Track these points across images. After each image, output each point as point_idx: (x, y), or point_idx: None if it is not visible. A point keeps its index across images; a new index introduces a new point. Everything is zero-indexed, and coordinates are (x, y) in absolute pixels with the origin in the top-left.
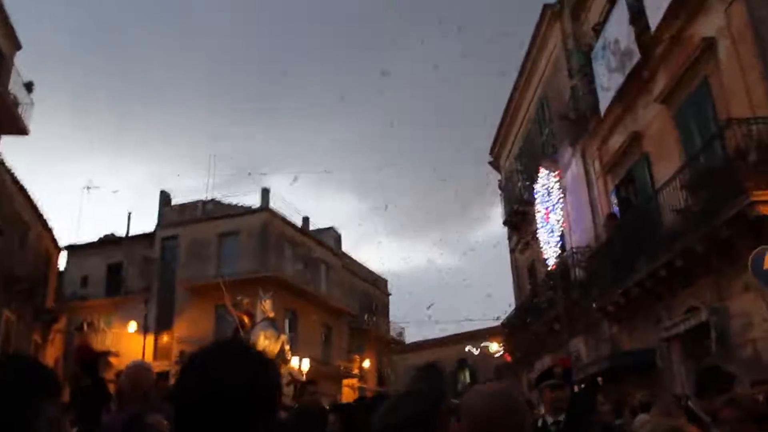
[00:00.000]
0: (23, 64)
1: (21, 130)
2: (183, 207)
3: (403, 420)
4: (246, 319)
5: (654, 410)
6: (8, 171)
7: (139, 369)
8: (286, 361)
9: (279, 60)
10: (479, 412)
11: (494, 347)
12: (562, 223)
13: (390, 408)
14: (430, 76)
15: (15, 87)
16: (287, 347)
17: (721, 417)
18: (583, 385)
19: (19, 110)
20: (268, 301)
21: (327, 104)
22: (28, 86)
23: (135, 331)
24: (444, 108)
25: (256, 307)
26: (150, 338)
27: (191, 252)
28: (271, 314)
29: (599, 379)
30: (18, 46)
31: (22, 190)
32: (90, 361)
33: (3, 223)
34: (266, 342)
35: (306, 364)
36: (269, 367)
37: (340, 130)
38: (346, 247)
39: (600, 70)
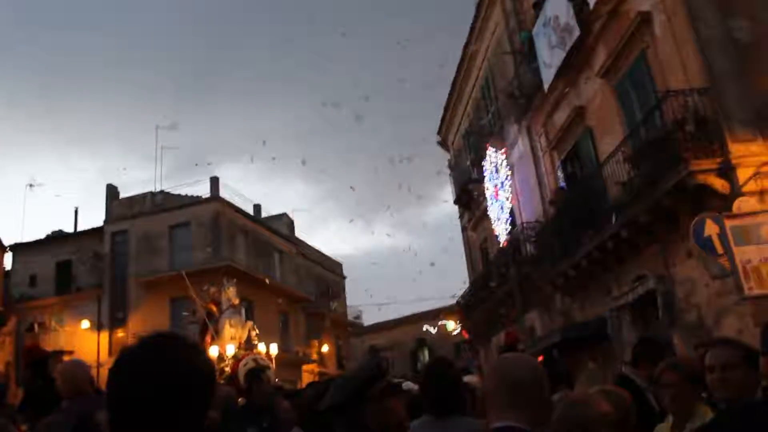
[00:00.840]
0: None
1: None
2: (131, 200)
3: (339, 399)
4: (213, 308)
5: (581, 379)
6: None
7: (73, 366)
8: (252, 347)
9: (219, 44)
10: (516, 376)
11: (451, 325)
12: (511, 199)
13: (329, 390)
14: (378, 55)
15: None
16: (254, 333)
17: (662, 381)
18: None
19: None
20: (231, 289)
21: (271, 90)
22: None
23: (88, 329)
24: (391, 89)
25: (221, 295)
26: (104, 335)
27: (142, 245)
28: (236, 301)
29: (554, 351)
30: None
31: None
32: (40, 362)
33: None
34: (232, 330)
35: (274, 349)
36: (199, 356)
37: (285, 116)
38: (299, 233)
39: (542, 46)
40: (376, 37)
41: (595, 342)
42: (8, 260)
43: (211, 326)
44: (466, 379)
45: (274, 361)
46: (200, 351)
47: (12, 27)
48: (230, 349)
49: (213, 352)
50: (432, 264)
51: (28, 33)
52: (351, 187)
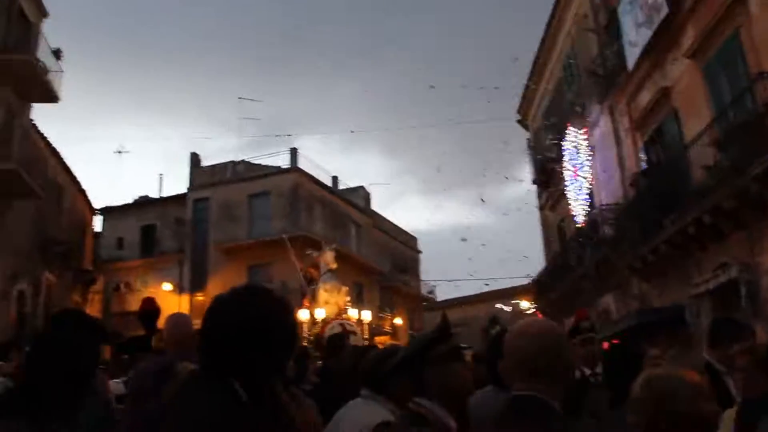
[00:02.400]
0: (51, 32)
1: (51, 97)
2: (213, 168)
3: (397, 360)
4: (313, 273)
5: (664, 364)
6: (42, 137)
7: (179, 318)
8: (343, 312)
9: (301, 17)
10: (527, 347)
11: (525, 305)
12: (591, 180)
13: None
14: (455, 34)
15: (43, 55)
16: (347, 298)
17: (736, 365)
18: (614, 341)
19: (49, 78)
20: (330, 253)
21: (354, 63)
22: (57, 53)
23: (170, 291)
24: (472, 66)
25: (320, 259)
26: (185, 298)
27: (222, 213)
28: (333, 266)
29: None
30: (44, 14)
31: (55, 155)
32: (150, 313)
33: (40, 187)
34: (326, 294)
35: (367, 315)
36: (282, 309)
37: (367, 89)
38: (375, 206)
39: (628, 24)
40: (456, 11)
41: (673, 328)
42: (98, 223)
43: (309, 290)
44: None
45: (367, 327)
46: (284, 305)
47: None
48: (321, 313)
49: (303, 315)
50: (483, 245)
51: (117, 5)
52: (437, 169)
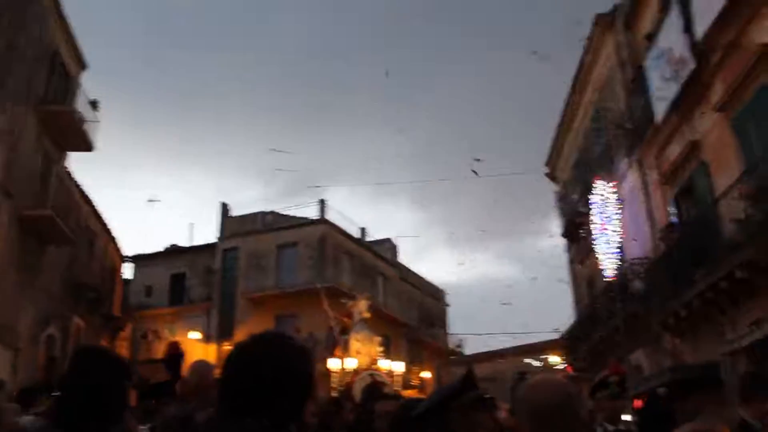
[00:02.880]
0: (88, 83)
1: (87, 146)
2: (243, 218)
3: (422, 409)
4: (346, 322)
5: (700, 419)
6: (76, 185)
7: (202, 365)
8: (375, 363)
9: (334, 70)
10: (538, 403)
11: (555, 360)
12: (620, 234)
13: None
14: (487, 85)
15: (81, 105)
16: (379, 349)
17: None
18: (646, 398)
19: (85, 127)
20: (363, 302)
21: (384, 113)
22: (93, 104)
23: (197, 340)
24: (499, 120)
25: (354, 308)
26: (212, 347)
27: (251, 263)
28: (367, 315)
29: (661, 390)
30: (83, 67)
31: (88, 202)
32: (175, 357)
33: (73, 233)
34: (357, 344)
35: (400, 367)
36: (300, 355)
37: (398, 141)
38: (403, 259)
39: (655, 79)
40: (481, 63)
41: (707, 386)
42: (128, 270)
43: (341, 340)
44: None
45: (399, 379)
46: (303, 352)
47: (136, 49)
48: (352, 363)
49: (333, 364)
50: (506, 304)
51: (150, 54)
52: (474, 226)
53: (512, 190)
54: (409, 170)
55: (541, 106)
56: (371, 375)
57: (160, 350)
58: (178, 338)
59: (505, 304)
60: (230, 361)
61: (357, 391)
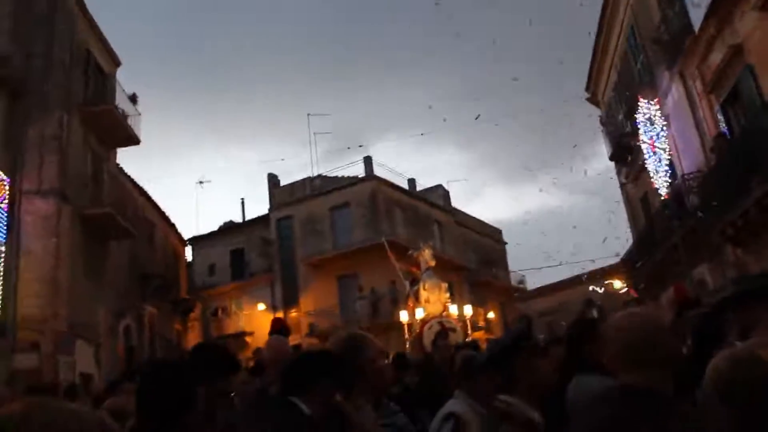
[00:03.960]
0: (125, 78)
1: (132, 141)
2: (292, 187)
3: (485, 357)
4: (415, 272)
5: (760, 335)
6: (128, 178)
7: (278, 341)
8: (445, 309)
9: (361, 19)
10: (630, 333)
11: (617, 284)
12: (669, 151)
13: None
14: (517, 21)
15: (121, 101)
16: (447, 295)
17: None
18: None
19: (128, 122)
20: (427, 251)
21: (421, 61)
22: (132, 98)
23: (264, 311)
24: (535, 51)
25: (420, 257)
26: (279, 316)
27: (306, 229)
28: (432, 263)
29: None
30: (117, 63)
31: (143, 193)
32: (280, 332)
33: (132, 226)
34: (425, 293)
35: (468, 310)
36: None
37: (429, 86)
38: (456, 203)
39: None
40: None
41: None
42: (189, 253)
43: (411, 290)
44: None
45: (468, 322)
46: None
47: (166, 24)
48: (420, 313)
49: (403, 317)
50: (574, 227)
51: (182, 40)
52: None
53: (556, 119)
54: (451, 113)
55: (578, 31)
56: (440, 322)
57: (230, 326)
58: (246, 312)
59: (543, 234)
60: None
61: (427, 339)
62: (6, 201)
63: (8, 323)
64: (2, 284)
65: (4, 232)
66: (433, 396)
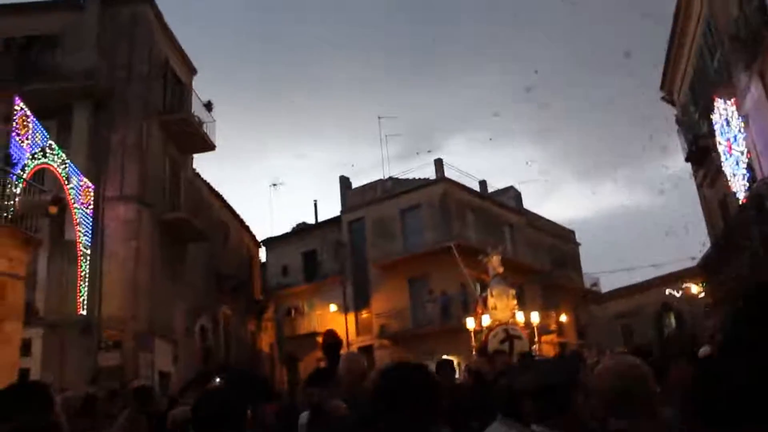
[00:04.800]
0: (201, 85)
1: (208, 146)
2: (363, 189)
3: (536, 386)
4: (485, 278)
5: None
6: (205, 183)
7: (352, 357)
8: (512, 316)
9: (429, 20)
10: (617, 382)
11: (694, 289)
12: (747, 153)
13: (525, 374)
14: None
15: (197, 109)
16: (515, 302)
17: None
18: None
19: (204, 129)
20: (496, 257)
21: (489, 54)
22: (208, 106)
23: (336, 312)
24: (607, 44)
25: (488, 264)
26: (351, 317)
27: (377, 231)
28: (501, 270)
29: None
30: (194, 72)
31: (218, 197)
32: (333, 345)
33: (207, 229)
34: (493, 300)
35: (535, 317)
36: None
37: (503, 82)
38: (529, 202)
39: None
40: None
41: None
42: (263, 254)
43: (480, 297)
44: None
45: (536, 330)
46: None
47: (241, 26)
48: (485, 320)
49: (469, 323)
50: (666, 233)
51: (251, 41)
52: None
53: (630, 117)
54: (524, 107)
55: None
56: (505, 329)
57: (303, 326)
58: (318, 312)
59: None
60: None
61: (492, 347)
62: (92, 206)
63: (93, 322)
64: (88, 285)
65: (90, 236)
66: (484, 409)
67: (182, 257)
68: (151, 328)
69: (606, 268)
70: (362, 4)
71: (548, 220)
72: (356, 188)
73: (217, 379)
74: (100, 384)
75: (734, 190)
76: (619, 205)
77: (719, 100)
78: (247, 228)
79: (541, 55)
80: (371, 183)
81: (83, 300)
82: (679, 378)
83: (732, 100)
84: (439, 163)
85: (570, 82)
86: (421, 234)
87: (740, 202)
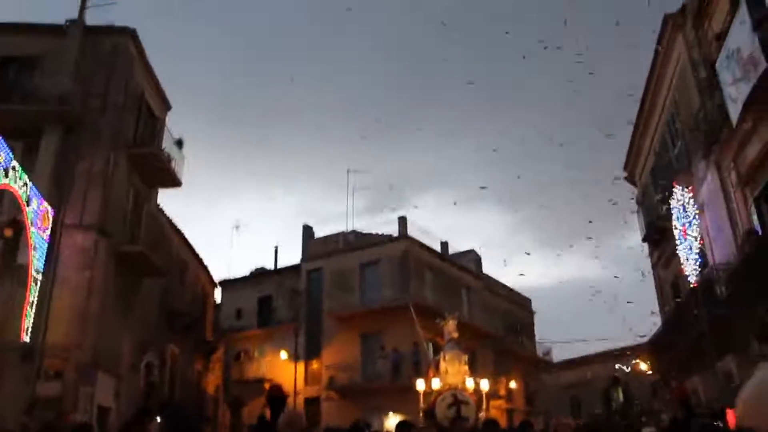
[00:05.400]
0: (174, 122)
1: (175, 183)
2: (326, 239)
3: None
4: (440, 341)
5: None
6: (167, 219)
7: (293, 415)
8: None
9: (417, 73)
10: None
11: (643, 366)
12: (700, 239)
13: None
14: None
15: (167, 144)
16: (466, 367)
17: None
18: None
19: (172, 165)
20: (452, 322)
21: (461, 122)
22: (179, 143)
23: (286, 359)
24: (575, 123)
25: (444, 328)
26: (300, 366)
27: (335, 282)
28: (455, 335)
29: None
30: (168, 107)
31: (178, 234)
32: (278, 399)
33: (165, 265)
34: (444, 364)
35: (485, 385)
36: None
37: (474, 147)
38: (488, 267)
39: (726, 80)
40: (558, 63)
41: None
42: (218, 295)
43: (433, 360)
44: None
45: (485, 396)
46: None
47: (217, 70)
48: (435, 383)
49: (419, 385)
50: (621, 308)
51: (231, 87)
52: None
53: (595, 195)
54: (494, 176)
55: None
56: (453, 394)
57: (251, 370)
58: (268, 358)
59: (597, 292)
60: None
61: (439, 411)
62: (49, 231)
63: (36, 349)
64: (35, 311)
65: (44, 261)
66: None
67: (136, 290)
68: (96, 360)
69: (560, 338)
70: (349, 50)
71: (506, 286)
72: (318, 238)
73: (158, 419)
74: (35, 414)
75: (686, 273)
76: (578, 277)
77: (678, 186)
78: (205, 267)
79: (517, 126)
80: (334, 234)
81: (28, 326)
82: None
83: (689, 187)
84: (402, 221)
85: (540, 156)
86: (378, 289)
87: (691, 286)
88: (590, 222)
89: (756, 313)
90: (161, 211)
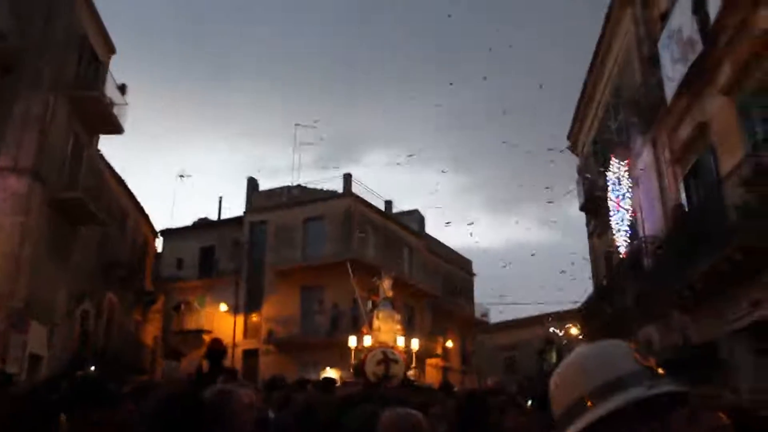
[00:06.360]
0: (117, 67)
1: (117, 129)
2: (270, 192)
3: None
4: (375, 298)
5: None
6: (107, 165)
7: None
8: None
9: (359, 41)
10: None
11: (575, 330)
12: (632, 212)
13: None
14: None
15: (110, 90)
16: (398, 327)
17: None
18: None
19: (115, 111)
20: (387, 281)
21: (412, 83)
22: (122, 88)
23: (226, 311)
24: (523, 94)
25: (379, 286)
26: (240, 318)
27: (278, 236)
28: (390, 294)
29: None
30: (112, 51)
31: (120, 182)
32: (217, 353)
33: (104, 214)
34: (377, 322)
35: (415, 344)
36: None
37: (425, 110)
38: (431, 228)
39: (665, 59)
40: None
41: (707, 366)
42: (159, 244)
43: (367, 317)
44: None
45: (414, 356)
46: None
47: (164, 28)
48: (367, 340)
49: (351, 342)
50: (562, 272)
51: (182, 36)
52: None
53: (540, 161)
54: (443, 138)
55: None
56: (383, 352)
57: (191, 322)
58: (208, 310)
59: (503, 266)
60: None
61: (369, 367)
62: None
63: None
64: None
65: None
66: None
67: (73, 238)
68: (29, 308)
69: (497, 301)
70: (302, 13)
71: (447, 247)
72: (263, 191)
73: (92, 367)
74: None
75: (617, 244)
76: (524, 242)
77: (615, 159)
78: (146, 216)
79: (467, 90)
80: (279, 188)
81: None
82: None
83: (626, 161)
84: (348, 178)
85: (490, 119)
86: (321, 245)
87: (621, 257)
88: (547, 188)
89: (676, 287)
90: (102, 157)
